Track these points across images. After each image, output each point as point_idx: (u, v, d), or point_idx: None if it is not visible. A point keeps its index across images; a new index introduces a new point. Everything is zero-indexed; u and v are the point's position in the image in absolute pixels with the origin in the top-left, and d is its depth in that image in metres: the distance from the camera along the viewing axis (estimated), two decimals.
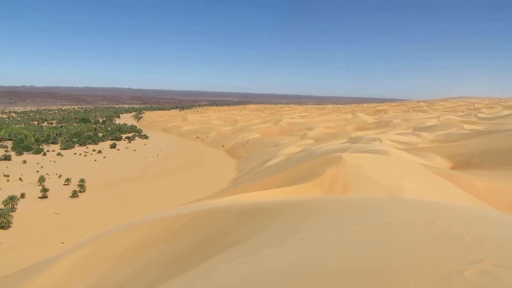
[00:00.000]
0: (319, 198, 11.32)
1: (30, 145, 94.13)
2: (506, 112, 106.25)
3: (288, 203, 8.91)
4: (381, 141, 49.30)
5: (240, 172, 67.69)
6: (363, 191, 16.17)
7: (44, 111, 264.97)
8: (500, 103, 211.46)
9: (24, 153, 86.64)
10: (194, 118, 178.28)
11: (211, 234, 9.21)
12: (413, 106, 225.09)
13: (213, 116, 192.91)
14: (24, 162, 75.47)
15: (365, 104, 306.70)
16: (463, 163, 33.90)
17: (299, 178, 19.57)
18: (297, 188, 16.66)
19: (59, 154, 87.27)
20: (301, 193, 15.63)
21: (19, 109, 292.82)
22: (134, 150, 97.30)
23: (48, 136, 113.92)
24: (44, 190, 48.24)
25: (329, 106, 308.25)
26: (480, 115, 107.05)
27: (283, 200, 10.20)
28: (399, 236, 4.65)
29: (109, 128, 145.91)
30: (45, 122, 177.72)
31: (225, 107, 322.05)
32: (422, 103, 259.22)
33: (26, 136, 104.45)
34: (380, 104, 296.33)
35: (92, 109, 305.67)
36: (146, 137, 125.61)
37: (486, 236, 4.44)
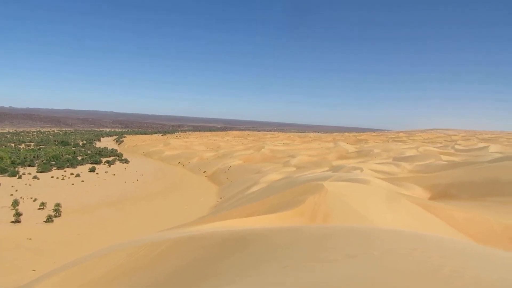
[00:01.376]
0: (299, 226, 11.28)
1: (5, 167, 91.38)
2: (481, 145, 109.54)
3: (268, 231, 8.85)
4: (362, 170, 50.00)
5: (221, 198, 67.07)
6: (344, 220, 16.21)
7: (23, 133, 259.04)
8: (476, 136, 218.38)
9: None
10: (176, 143, 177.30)
11: (192, 261, 9.02)
12: (393, 136, 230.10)
13: (196, 141, 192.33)
14: None
15: (346, 133, 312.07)
16: (441, 193, 34.54)
17: (281, 205, 19.50)
18: (278, 216, 16.58)
19: (35, 177, 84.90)
20: (282, 221, 15.54)
21: None
22: (114, 175, 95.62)
23: (25, 158, 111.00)
24: (18, 214, 46.61)
25: (311, 134, 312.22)
26: (457, 146, 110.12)
27: (263, 228, 10.13)
28: (378, 267, 4.65)
29: (89, 152, 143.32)
30: (23, 144, 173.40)
31: (208, 133, 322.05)
32: (401, 134, 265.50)
33: (1, 158, 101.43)
34: (361, 133, 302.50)
35: (72, 132, 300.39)
36: (126, 161, 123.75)
37: (465, 267, 4.47)
